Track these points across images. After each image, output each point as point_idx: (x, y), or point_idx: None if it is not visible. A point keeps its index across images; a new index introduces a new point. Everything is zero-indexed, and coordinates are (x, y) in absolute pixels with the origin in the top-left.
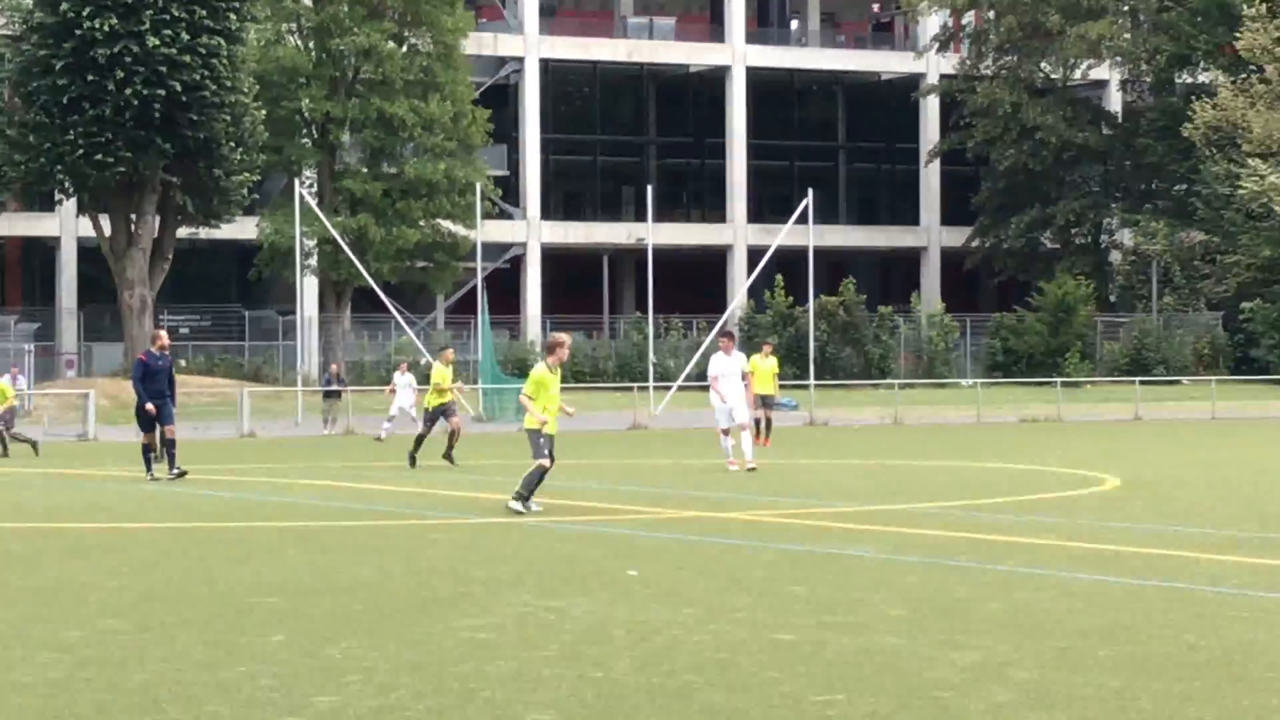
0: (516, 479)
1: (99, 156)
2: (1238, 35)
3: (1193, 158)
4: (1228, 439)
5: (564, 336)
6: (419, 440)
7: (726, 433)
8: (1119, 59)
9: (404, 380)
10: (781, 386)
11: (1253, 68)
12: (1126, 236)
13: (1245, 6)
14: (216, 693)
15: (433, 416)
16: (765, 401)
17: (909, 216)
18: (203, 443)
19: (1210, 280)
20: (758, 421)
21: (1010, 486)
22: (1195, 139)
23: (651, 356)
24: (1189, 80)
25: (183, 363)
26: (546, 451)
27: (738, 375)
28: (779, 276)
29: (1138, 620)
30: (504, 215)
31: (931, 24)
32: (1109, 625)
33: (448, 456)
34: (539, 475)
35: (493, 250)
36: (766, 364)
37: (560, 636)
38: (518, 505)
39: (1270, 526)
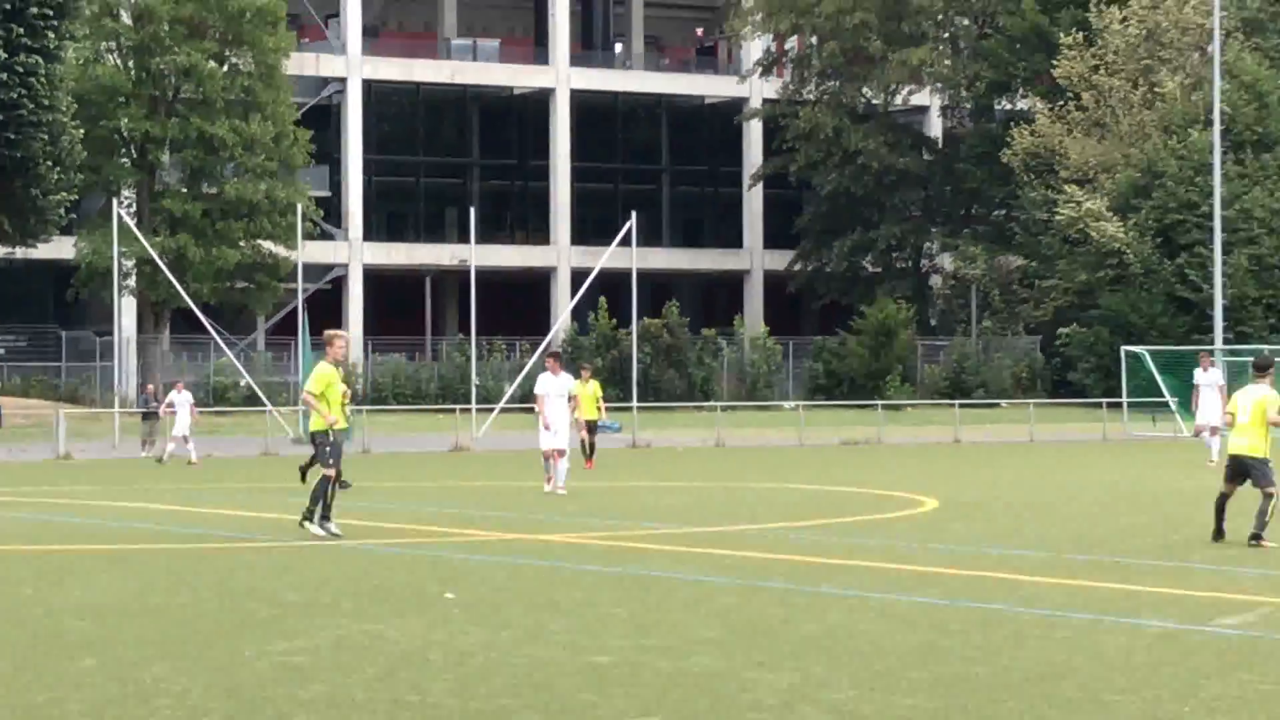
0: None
1: None
2: (1055, 63)
3: (1011, 183)
4: (1045, 462)
5: (341, 331)
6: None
7: (550, 455)
8: (939, 85)
9: (182, 399)
10: (605, 409)
11: (1070, 95)
12: (946, 261)
13: (1062, 35)
14: (24, 719)
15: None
16: (588, 425)
17: (732, 240)
18: (17, 465)
19: (1028, 304)
20: (582, 443)
21: (830, 508)
22: (1014, 165)
23: (474, 378)
24: (1008, 107)
25: None
26: (334, 460)
27: (564, 396)
28: (602, 299)
29: (953, 641)
30: (325, 236)
31: (755, 48)
32: (924, 646)
33: (304, 477)
34: (326, 486)
35: (314, 271)
36: (588, 389)
37: (376, 660)
38: (315, 528)
39: (1085, 548)
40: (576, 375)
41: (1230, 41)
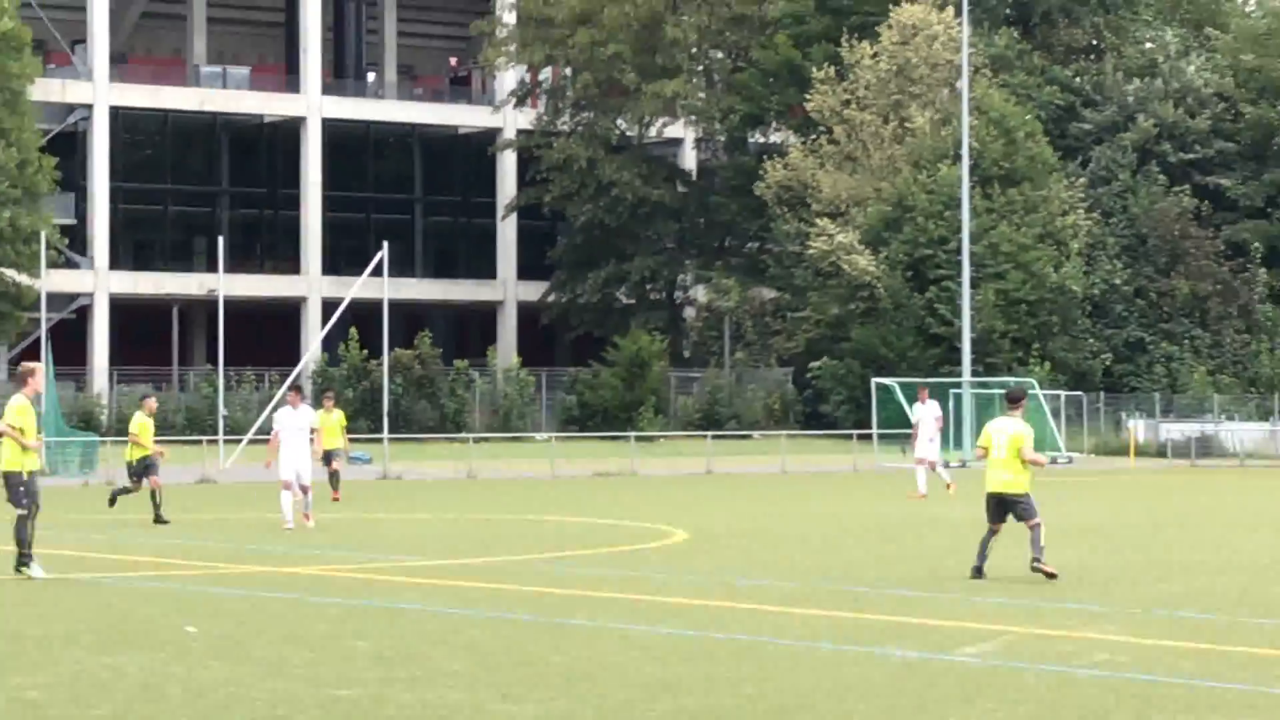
0: (77, 531)
1: None
2: (808, 97)
3: (765, 216)
4: (797, 493)
5: (37, 364)
6: (125, 491)
7: (289, 487)
8: (694, 117)
9: None
10: (355, 440)
11: (822, 129)
12: (700, 292)
13: (815, 69)
14: None
15: (138, 471)
16: (332, 456)
17: (486, 270)
18: None
19: (781, 336)
20: (331, 475)
21: (581, 540)
22: (767, 197)
23: (222, 409)
24: (761, 140)
25: None
26: (27, 500)
27: (305, 431)
28: (353, 329)
29: (699, 672)
30: (71, 265)
31: (509, 79)
32: (671, 677)
33: (159, 519)
34: (22, 526)
35: (59, 300)
36: (332, 418)
37: (113, 695)
38: (35, 570)
39: (833, 579)
40: (321, 406)
41: (978, 78)
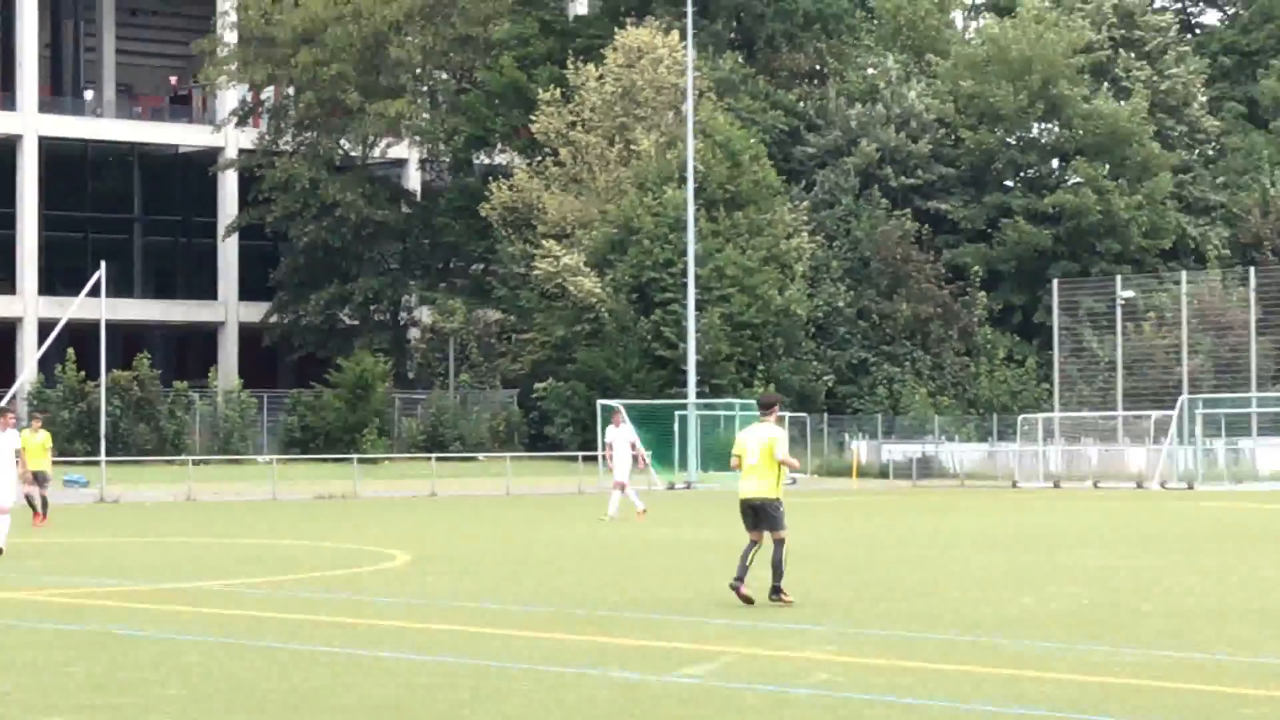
0: None
1: None
2: (533, 119)
3: (490, 237)
4: (521, 515)
5: None
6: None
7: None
8: (418, 138)
9: None
10: (72, 464)
11: (547, 150)
12: (425, 314)
13: (540, 91)
14: None
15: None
16: (38, 478)
17: (206, 291)
18: None
19: (506, 358)
20: (29, 498)
21: (301, 564)
22: (492, 219)
23: None
24: (487, 161)
25: None
26: None
27: (10, 453)
28: (70, 350)
29: (417, 695)
30: None
31: (230, 98)
32: (388, 701)
33: None
34: None
35: None
36: (37, 439)
37: None
38: None
39: (555, 601)
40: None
41: (703, 102)
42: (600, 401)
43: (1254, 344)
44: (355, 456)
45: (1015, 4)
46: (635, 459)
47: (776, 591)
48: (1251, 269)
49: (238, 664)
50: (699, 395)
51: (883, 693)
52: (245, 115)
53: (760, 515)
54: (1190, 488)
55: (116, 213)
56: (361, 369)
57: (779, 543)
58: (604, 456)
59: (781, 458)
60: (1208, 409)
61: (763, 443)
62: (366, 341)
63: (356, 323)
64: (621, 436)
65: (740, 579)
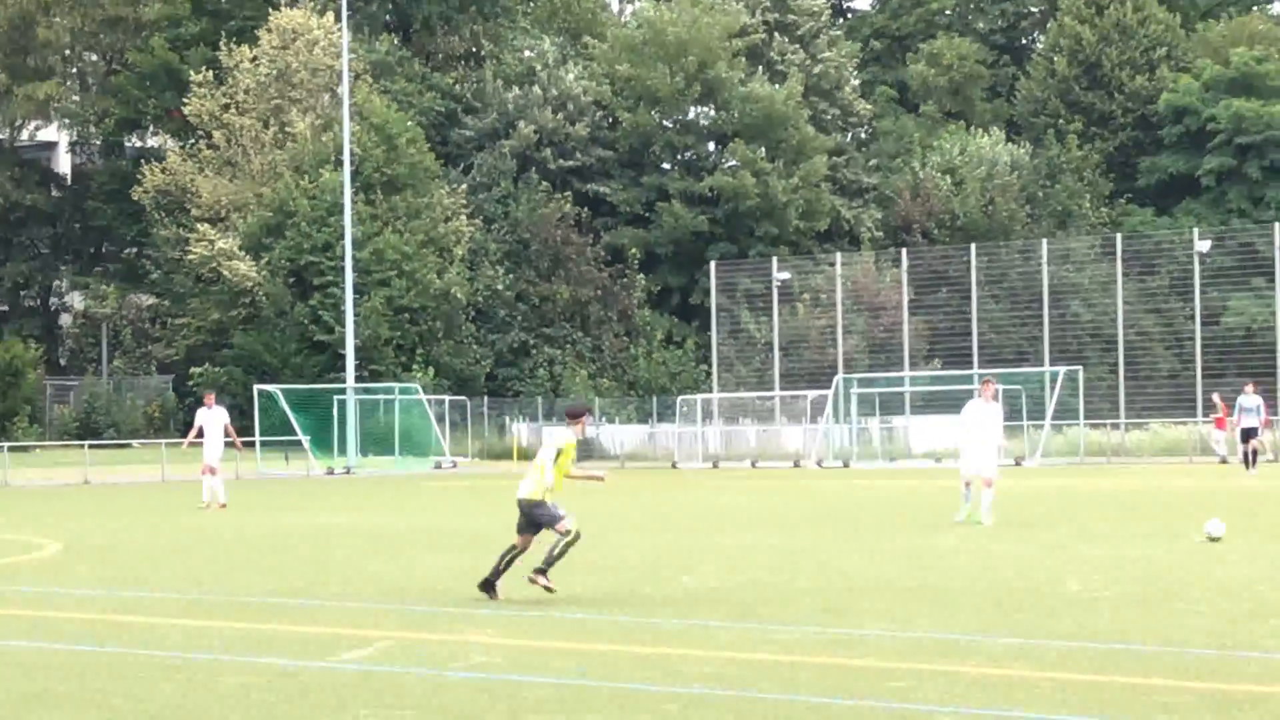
0: None
1: None
2: (186, 101)
3: (144, 221)
4: (177, 502)
5: None
6: None
7: None
8: (68, 120)
9: None
10: None
11: (201, 133)
12: (77, 299)
13: (193, 73)
14: None
15: None
16: None
17: None
18: None
19: (161, 344)
20: None
21: None
22: (145, 202)
23: None
24: (139, 144)
25: None
26: None
27: None
28: None
29: (68, 687)
30: None
31: None
32: (39, 692)
33: None
34: None
35: None
36: None
37: None
38: None
39: (214, 589)
40: None
41: (360, 84)
42: (257, 387)
43: (906, 324)
44: (5, 444)
45: None
46: (231, 444)
47: (541, 574)
48: (903, 250)
49: None
50: (358, 380)
51: (541, 674)
52: None
53: (530, 518)
54: (846, 466)
55: None
56: (11, 356)
57: (562, 534)
58: (190, 440)
59: (558, 471)
60: (862, 388)
61: (559, 446)
62: (17, 328)
63: (5, 309)
64: (214, 419)
65: (493, 579)
